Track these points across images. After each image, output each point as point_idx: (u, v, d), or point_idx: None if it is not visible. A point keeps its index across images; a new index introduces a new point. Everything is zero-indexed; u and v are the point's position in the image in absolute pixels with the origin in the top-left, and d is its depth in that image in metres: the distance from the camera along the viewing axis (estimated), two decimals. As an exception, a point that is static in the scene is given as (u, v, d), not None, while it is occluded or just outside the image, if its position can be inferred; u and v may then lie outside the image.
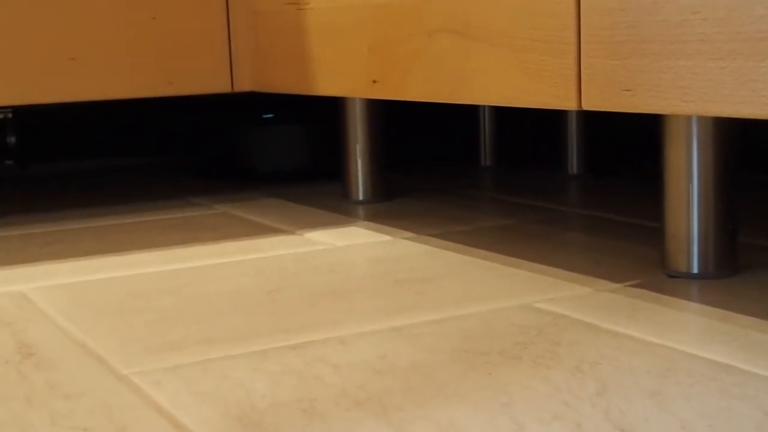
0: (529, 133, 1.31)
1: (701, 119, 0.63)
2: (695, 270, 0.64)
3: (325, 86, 0.86)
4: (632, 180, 1.08)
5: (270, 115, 1.18)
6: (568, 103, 0.60)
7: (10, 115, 1.22)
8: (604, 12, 0.56)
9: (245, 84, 0.99)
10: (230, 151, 1.17)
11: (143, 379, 0.50)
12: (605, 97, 0.57)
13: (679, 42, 0.52)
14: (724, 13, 0.49)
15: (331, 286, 0.67)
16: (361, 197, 0.99)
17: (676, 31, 0.52)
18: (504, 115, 1.23)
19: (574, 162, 1.12)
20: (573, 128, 1.12)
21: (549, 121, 1.22)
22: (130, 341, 0.56)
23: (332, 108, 1.02)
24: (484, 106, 1.20)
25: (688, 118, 0.63)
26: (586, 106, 0.58)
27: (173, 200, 1.04)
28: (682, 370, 0.48)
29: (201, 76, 0.97)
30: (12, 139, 1.23)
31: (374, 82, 0.79)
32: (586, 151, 1.12)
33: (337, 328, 0.57)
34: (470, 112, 1.23)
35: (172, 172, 1.26)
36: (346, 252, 0.77)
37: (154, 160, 1.34)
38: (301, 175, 1.14)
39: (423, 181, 1.12)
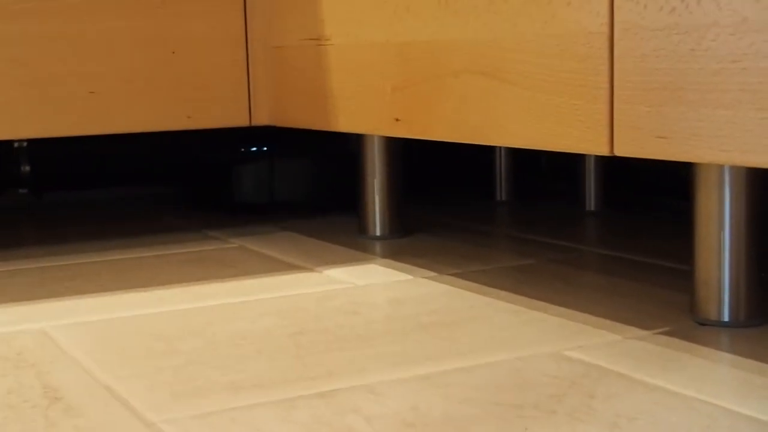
0: (545, 167, 1.30)
1: (734, 167, 0.62)
2: (726, 318, 0.64)
3: (346, 123, 0.86)
4: (651, 217, 1.07)
5: (254, 148, 1.16)
6: (600, 149, 0.59)
7: (24, 144, 1.22)
8: (638, 58, 0.56)
9: (263, 118, 0.99)
10: (224, 183, 1.16)
11: (172, 428, 0.49)
12: (638, 143, 0.56)
13: (718, 91, 0.51)
14: (766, 63, 0.49)
15: (355, 329, 0.66)
16: (378, 233, 0.99)
17: (714, 80, 0.52)
18: (520, 149, 1.22)
19: (591, 198, 1.12)
20: (591, 164, 1.11)
21: (565, 155, 1.21)
22: (156, 386, 0.55)
23: (324, 141, 1.04)
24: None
25: (721, 165, 0.63)
26: (618, 152, 0.58)
27: (189, 233, 1.03)
28: (724, 429, 0.47)
29: (219, 110, 0.97)
30: (26, 168, 1.22)
31: (397, 120, 0.78)
32: (604, 186, 1.11)
33: (364, 376, 0.56)
34: (486, 145, 1.23)
35: (185, 201, 1.25)
36: (367, 291, 0.77)
37: (167, 190, 1.33)
38: (300, 207, 1.15)
39: (439, 216, 1.11)
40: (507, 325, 0.66)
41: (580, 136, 0.60)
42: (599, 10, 0.58)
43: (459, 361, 0.59)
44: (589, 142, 0.60)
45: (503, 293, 0.75)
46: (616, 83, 0.57)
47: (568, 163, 1.20)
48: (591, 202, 1.12)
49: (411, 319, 0.68)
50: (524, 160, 1.25)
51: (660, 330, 0.64)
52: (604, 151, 0.59)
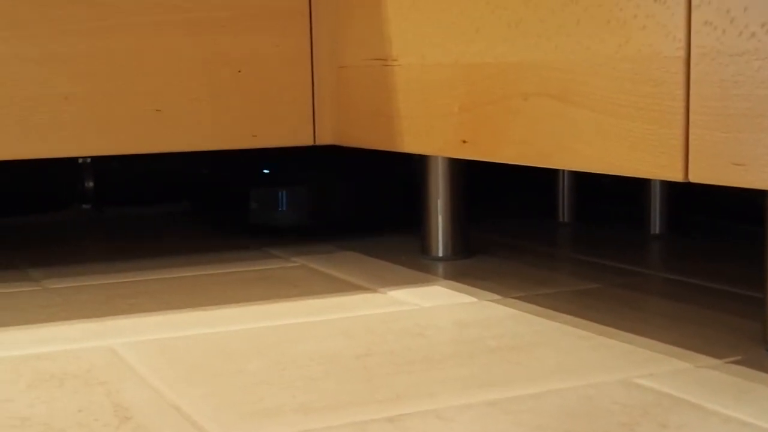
0: (608, 189, 1.29)
1: (809, 193, 0.61)
2: (800, 348, 0.62)
3: (411, 144, 0.85)
4: (718, 241, 1.06)
5: (266, 171, 1.15)
6: (674, 174, 0.58)
7: (88, 161, 1.23)
8: (715, 83, 0.55)
9: (327, 137, 0.99)
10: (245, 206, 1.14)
11: (242, 451, 0.49)
12: (714, 170, 0.56)
13: (799, 119, 0.50)
14: None
15: (422, 352, 0.66)
16: (440, 254, 0.98)
17: (794, 107, 0.51)
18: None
19: (656, 221, 1.10)
20: (656, 185, 1.10)
21: (629, 177, 1.20)
22: (225, 406, 0.55)
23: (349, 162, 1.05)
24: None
25: (797, 191, 0.62)
26: (693, 179, 0.57)
27: (250, 251, 1.04)
28: (804, 463, 0.46)
29: (284, 129, 0.97)
30: (90, 184, 1.24)
31: (464, 142, 0.78)
32: (669, 209, 1.10)
33: (433, 400, 0.56)
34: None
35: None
36: (432, 314, 0.76)
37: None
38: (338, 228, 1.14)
39: (500, 237, 1.10)
40: (574, 351, 0.65)
41: (653, 161, 0.60)
42: (676, 34, 0.57)
43: (528, 387, 0.58)
44: (663, 168, 0.59)
45: (569, 317, 0.74)
46: (692, 108, 0.57)
47: (631, 185, 1.18)
48: (656, 225, 1.11)
49: (477, 343, 0.68)
50: (586, 181, 1.24)
51: (732, 359, 0.63)
52: (678, 177, 0.58)
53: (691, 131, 0.57)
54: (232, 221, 1.17)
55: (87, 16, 0.88)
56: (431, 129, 0.82)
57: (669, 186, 1.10)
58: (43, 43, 0.87)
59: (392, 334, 0.70)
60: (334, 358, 0.64)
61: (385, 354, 0.65)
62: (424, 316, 0.75)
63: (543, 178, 1.24)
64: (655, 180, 1.10)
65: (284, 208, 1.12)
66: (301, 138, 0.98)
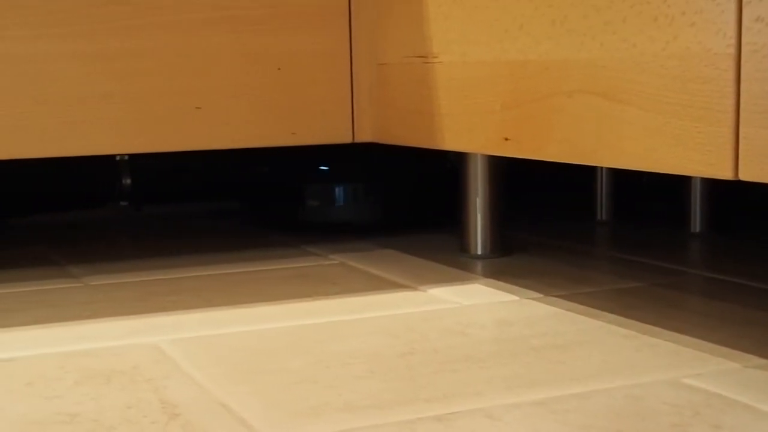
0: (646, 186, 1.28)
1: None
2: None
3: (452, 141, 0.85)
4: (759, 240, 1.05)
5: (326, 168, 1.15)
6: (724, 173, 0.58)
7: (126, 158, 1.23)
8: (766, 80, 0.55)
9: (366, 135, 0.99)
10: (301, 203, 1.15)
11: (291, 449, 0.49)
12: (765, 168, 0.55)
13: None
14: None
15: (465, 351, 0.65)
16: (479, 252, 0.98)
17: None
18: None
19: (696, 219, 1.10)
20: (697, 183, 1.09)
21: (667, 175, 1.19)
22: (272, 405, 0.55)
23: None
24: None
25: None
26: (743, 177, 0.57)
27: (288, 248, 1.04)
28: None
29: (323, 127, 0.97)
30: (127, 181, 1.24)
31: (506, 139, 0.78)
32: (710, 207, 1.09)
33: (480, 399, 0.56)
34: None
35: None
36: (473, 312, 0.76)
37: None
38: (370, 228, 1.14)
39: (539, 235, 1.10)
40: (619, 350, 0.65)
41: (701, 159, 0.59)
42: (726, 31, 0.56)
43: (574, 387, 0.58)
44: (712, 166, 0.58)
45: (612, 316, 0.74)
46: (742, 106, 0.56)
47: (671, 183, 1.17)
48: (696, 224, 1.10)
49: (521, 342, 0.67)
50: (625, 179, 1.23)
51: (780, 359, 0.62)
52: (727, 176, 0.57)
53: (741, 129, 0.56)
54: (280, 219, 1.17)
55: (127, 15, 0.89)
56: (472, 126, 0.82)
57: (709, 184, 1.09)
58: (84, 42, 0.87)
59: (434, 332, 0.70)
60: (377, 357, 0.64)
61: (428, 352, 0.65)
62: (466, 315, 0.75)
63: (581, 176, 1.23)
64: (695, 178, 1.10)
65: (341, 205, 1.13)
66: (340, 135, 0.98)
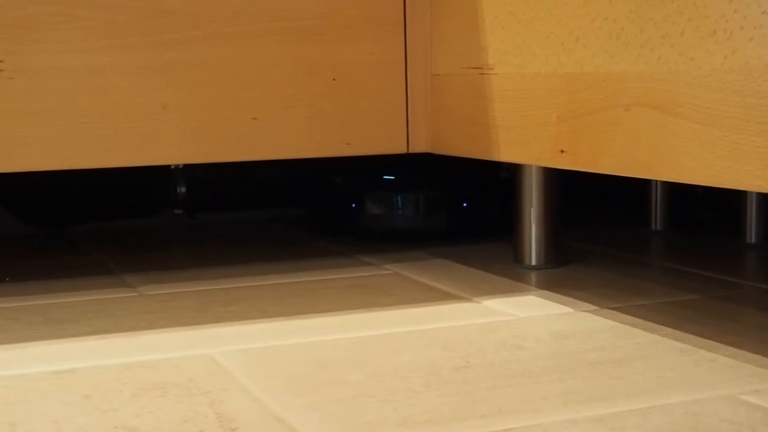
0: (701, 196, 1.27)
1: None
2: None
3: (507, 153, 0.85)
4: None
5: (391, 177, 1.16)
6: (784, 189, 0.57)
7: (180, 166, 1.25)
8: (827, 96, 0.54)
9: (420, 145, 0.99)
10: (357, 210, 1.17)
11: (349, 464, 0.49)
12: (827, 184, 0.54)
13: None
14: None
15: (521, 365, 0.65)
16: (533, 262, 0.98)
17: None
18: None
19: (752, 229, 1.08)
20: (752, 194, 1.08)
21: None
22: (329, 419, 0.56)
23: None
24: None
25: None
26: (804, 193, 0.56)
27: (342, 257, 1.04)
28: None
29: (378, 137, 0.97)
30: (182, 189, 1.25)
31: (562, 152, 0.77)
32: (765, 218, 1.08)
33: (537, 416, 0.56)
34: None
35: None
36: (528, 324, 0.76)
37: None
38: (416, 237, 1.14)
39: (592, 246, 1.09)
40: (676, 365, 0.65)
41: (759, 174, 0.59)
42: (787, 46, 0.56)
43: (632, 403, 0.57)
44: (772, 181, 0.58)
45: (668, 330, 0.73)
46: (802, 121, 0.56)
47: (725, 193, 1.16)
48: (751, 234, 1.09)
49: (577, 356, 0.67)
50: (679, 189, 1.22)
51: (842, 376, 0.61)
52: (787, 191, 0.57)
53: (801, 145, 0.56)
54: (336, 227, 1.18)
55: (184, 26, 0.90)
56: (528, 138, 0.82)
57: (765, 194, 1.08)
58: (142, 54, 0.88)
59: (490, 345, 0.70)
60: (433, 370, 0.64)
61: (485, 366, 0.65)
62: (521, 327, 0.75)
63: (634, 186, 1.23)
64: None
65: (403, 213, 1.14)
66: (395, 146, 0.98)
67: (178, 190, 1.26)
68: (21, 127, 0.85)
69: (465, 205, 1.15)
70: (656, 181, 1.18)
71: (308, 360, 0.67)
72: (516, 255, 0.99)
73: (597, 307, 0.81)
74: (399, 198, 1.14)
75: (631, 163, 0.70)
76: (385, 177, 1.16)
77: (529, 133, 0.82)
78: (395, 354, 0.68)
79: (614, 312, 0.79)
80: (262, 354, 0.69)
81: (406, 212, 1.14)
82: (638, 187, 1.21)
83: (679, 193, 1.22)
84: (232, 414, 0.57)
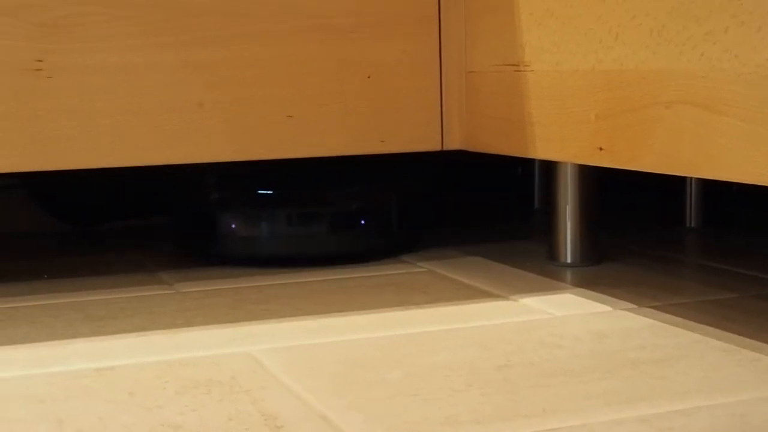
0: (736, 193, 1.26)
1: None
2: None
3: (544, 150, 0.85)
4: None
5: (269, 192, 1.00)
6: (831, 187, 0.57)
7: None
8: None
9: (455, 143, 0.99)
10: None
11: (395, 464, 0.49)
12: None
13: None
14: None
15: (561, 364, 0.65)
16: (568, 260, 0.97)
17: None
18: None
19: (788, 228, 1.08)
20: (788, 193, 1.07)
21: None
22: (373, 418, 0.55)
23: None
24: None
25: None
26: None
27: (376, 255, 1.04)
28: None
29: (412, 135, 0.97)
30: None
31: (600, 149, 0.77)
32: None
33: (581, 415, 0.55)
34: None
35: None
36: (566, 323, 0.76)
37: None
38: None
39: (627, 243, 1.09)
40: (720, 365, 0.64)
41: (807, 172, 0.58)
42: (835, 43, 0.55)
43: (676, 403, 0.57)
44: (818, 180, 0.57)
45: (710, 329, 0.73)
46: None
47: (761, 189, 1.16)
48: (788, 232, 1.08)
49: (618, 355, 0.67)
50: (714, 185, 1.21)
51: None
52: (835, 190, 0.56)
53: None
54: (199, 247, 1.03)
55: (219, 25, 0.90)
56: (565, 136, 0.81)
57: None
58: (178, 52, 0.88)
59: (529, 344, 0.70)
60: (473, 369, 0.64)
61: (525, 365, 0.65)
62: (559, 326, 0.75)
63: (669, 182, 1.22)
64: (788, 185, 1.07)
65: (274, 234, 0.99)
66: (429, 143, 0.98)
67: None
68: (59, 125, 0.85)
69: (363, 222, 1.01)
70: (691, 177, 1.18)
71: (346, 358, 0.67)
72: (551, 252, 0.98)
73: (635, 306, 0.80)
74: (269, 215, 0.98)
75: (673, 162, 0.69)
76: (260, 192, 1.00)
77: (566, 131, 0.81)
78: (433, 352, 0.68)
79: (653, 310, 0.78)
80: (301, 352, 0.69)
81: (278, 233, 0.98)
82: (671, 184, 1.21)
83: (715, 190, 1.21)
84: (276, 412, 0.57)
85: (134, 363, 0.67)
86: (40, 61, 0.84)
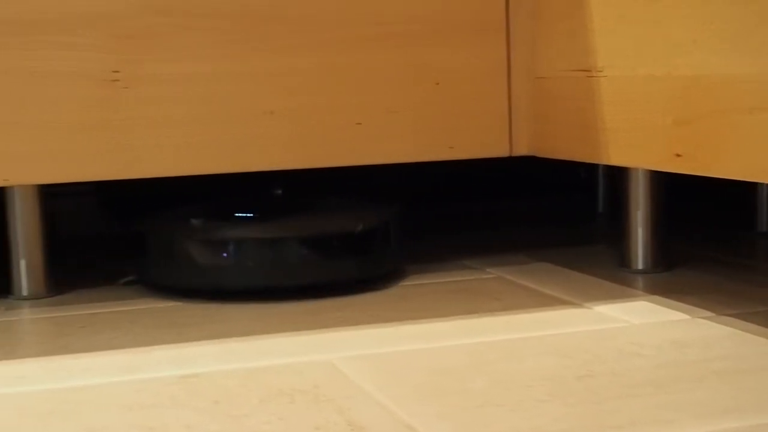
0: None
1: None
2: None
3: (617, 156, 0.84)
4: None
5: (249, 214, 0.94)
6: None
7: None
8: None
9: (523, 148, 0.98)
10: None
11: (488, 476, 0.49)
12: None
13: None
14: None
15: (645, 374, 0.64)
16: (640, 266, 0.97)
17: None
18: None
19: None
20: None
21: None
22: (460, 428, 0.55)
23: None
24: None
25: None
26: None
27: (444, 261, 1.04)
28: None
29: (480, 140, 0.97)
30: (278, 193, 1.26)
31: (678, 155, 0.76)
32: None
33: (672, 427, 0.55)
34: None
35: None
36: (644, 332, 0.75)
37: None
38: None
39: (698, 249, 1.08)
40: (806, 375, 0.63)
41: None
42: None
43: (765, 416, 0.56)
44: None
45: (791, 338, 0.72)
46: None
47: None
48: None
49: (701, 365, 0.66)
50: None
51: None
52: None
53: None
54: (159, 275, 0.93)
55: (288, 33, 0.90)
56: (640, 142, 0.81)
57: None
58: (250, 61, 0.89)
59: (609, 353, 0.69)
60: (555, 379, 0.64)
61: (607, 375, 0.64)
62: (638, 334, 0.74)
63: (739, 187, 1.21)
64: None
65: (240, 265, 0.89)
66: (498, 149, 0.98)
67: (274, 193, 1.27)
68: (136, 135, 0.86)
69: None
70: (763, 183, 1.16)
71: (428, 367, 0.67)
72: (622, 258, 0.98)
73: (713, 314, 0.79)
74: (235, 243, 0.88)
75: (755, 168, 0.68)
76: (239, 215, 0.92)
77: (640, 137, 0.81)
78: (513, 361, 0.68)
79: (732, 319, 0.78)
80: (381, 360, 0.69)
81: (245, 264, 0.88)
82: (742, 187, 1.19)
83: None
84: (362, 422, 0.57)
85: (217, 370, 0.68)
86: (116, 71, 0.85)
